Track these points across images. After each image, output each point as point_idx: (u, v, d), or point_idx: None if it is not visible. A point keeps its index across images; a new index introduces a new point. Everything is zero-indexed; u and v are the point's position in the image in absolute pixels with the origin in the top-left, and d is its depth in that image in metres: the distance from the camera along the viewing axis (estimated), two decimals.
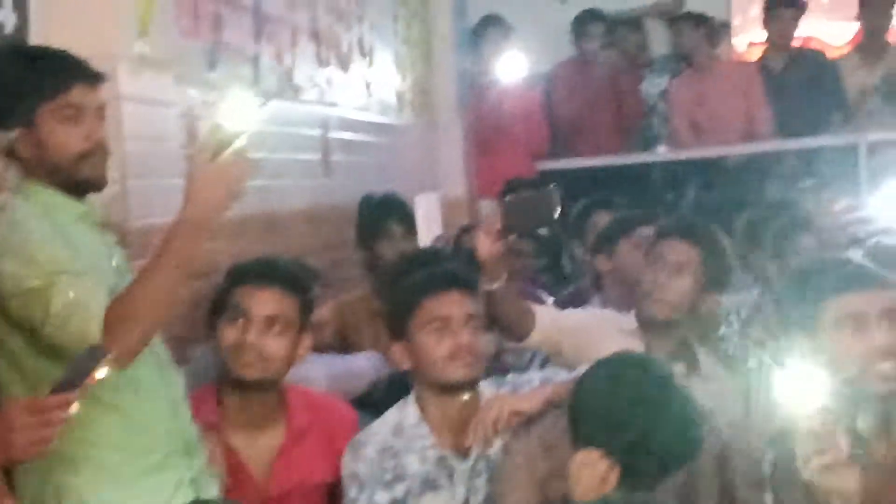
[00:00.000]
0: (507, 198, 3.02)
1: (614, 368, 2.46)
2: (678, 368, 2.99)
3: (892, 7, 6.58)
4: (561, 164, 6.49)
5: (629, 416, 2.34)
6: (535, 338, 3.14)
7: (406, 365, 2.86)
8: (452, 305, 2.82)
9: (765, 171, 6.22)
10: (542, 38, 6.71)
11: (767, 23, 6.58)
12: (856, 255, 3.03)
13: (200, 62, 3.55)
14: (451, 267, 3.10)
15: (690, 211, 6.14)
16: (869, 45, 6.58)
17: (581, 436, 2.40)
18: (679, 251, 3.20)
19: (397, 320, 2.88)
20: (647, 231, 3.65)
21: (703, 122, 6.53)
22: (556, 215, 2.91)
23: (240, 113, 2.24)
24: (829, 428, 2.18)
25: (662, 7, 7.11)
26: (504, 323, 3.12)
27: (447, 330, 2.79)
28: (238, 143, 2.23)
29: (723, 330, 3.73)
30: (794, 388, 2.17)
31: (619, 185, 6.08)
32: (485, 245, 2.93)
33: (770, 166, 6.22)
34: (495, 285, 2.97)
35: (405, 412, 2.85)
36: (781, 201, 5.03)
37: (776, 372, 2.28)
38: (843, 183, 5.29)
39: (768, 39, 6.72)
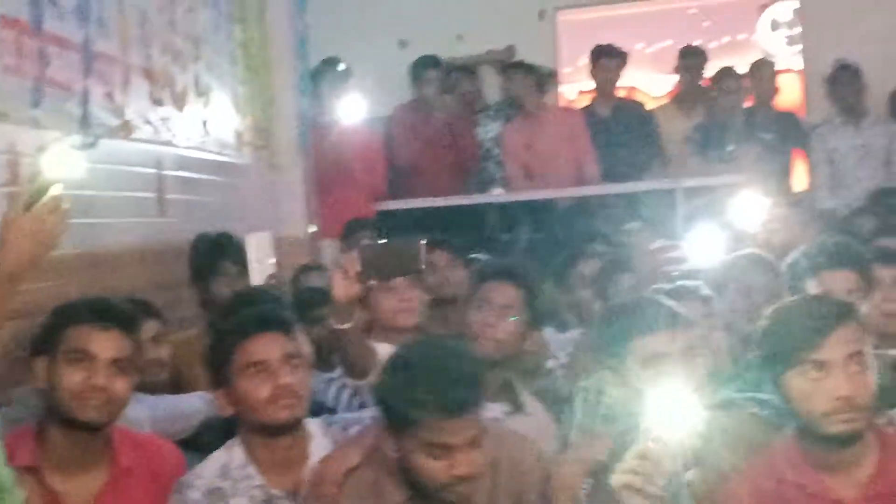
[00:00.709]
0: (366, 243, 3.08)
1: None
2: (503, 407, 3.11)
3: (706, 62, 7.02)
4: (399, 204, 6.61)
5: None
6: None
7: (229, 411, 2.84)
8: (269, 347, 2.80)
9: (592, 212, 6.47)
10: (381, 81, 6.82)
11: (593, 72, 6.95)
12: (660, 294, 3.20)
13: (24, 99, 3.53)
14: (265, 308, 3.10)
15: (523, 251, 6.32)
16: (685, 96, 7.05)
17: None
18: (503, 293, 3.33)
19: (216, 366, 2.85)
20: None
21: (534, 166, 6.79)
22: (422, 266, 2.94)
23: (59, 161, 2.24)
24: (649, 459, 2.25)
25: (495, 55, 7.34)
26: (348, 361, 3.17)
27: (266, 373, 2.77)
28: (53, 193, 2.22)
29: (549, 366, 3.86)
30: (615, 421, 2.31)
31: (456, 226, 6.23)
32: (340, 287, 2.94)
33: (597, 208, 6.48)
34: (345, 326, 3.00)
35: (231, 453, 2.83)
36: (607, 242, 5.26)
37: (598, 407, 2.38)
38: (663, 225, 5.54)
39: (595, 88, 7.03)
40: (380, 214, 6.37)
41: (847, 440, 2.44)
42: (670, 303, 2.75)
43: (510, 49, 7.32)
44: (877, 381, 2.49)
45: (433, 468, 2.45)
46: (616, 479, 2.13)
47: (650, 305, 2.72)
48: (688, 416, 2.12)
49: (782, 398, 2.52)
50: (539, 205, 6.62)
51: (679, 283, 3.31)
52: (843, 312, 2.50)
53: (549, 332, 3.97)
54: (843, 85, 6.52)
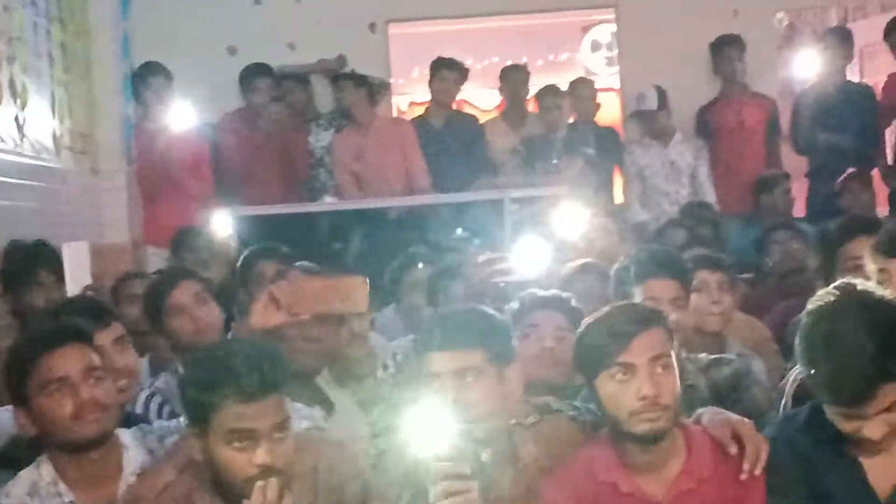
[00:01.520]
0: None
1: None
2: (316, 411, 3.07)
3: (528, 79, 7.21)
4: (229, 212, 6.51)
5: None
6: None
7: (32, 431, 2.71)
8: (68, 361, 2.67)
9: (423, 222, 6.52)
10: (210, 88, 6.72)
11: (432, 83, 7.02)
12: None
13: None
14: (63, 321, 2.98)
15: (355, 259, 6.31)
16: (511, 112, 7.19)
17: None
18: None
19: (14, 384, 2.70)
20: None
21: (365, 176, 6.80)
22: (365, 306, 2.84)
23: None
24: (457, 467, 2.31)
25: (326, 65, 7.31)
26: None
27: (67, 388, 2.65)
28: None
29: (379, 374, 3.86)
30: (425, 429, 2.31)
31: (287, 235, 6.17)
32: (260, 315, 2.83)
33: (428, 218, 6.53)
34: None
35: (40, 471, 2.71)
36: (436, 250, 5.30)
37: (410, 414, 2.39)
38: (491, 235, 5.62)
39: (432, 99, 7.11)
40: (206, 223, 6.26)
41: (652, 439, 2.53)
42: (465, 319, 2.70)
43: (341, 59, 7.31)
44: (685, 383, 2.58)
45: (237, 461, 2.39)
46: None
47: (448, 319, 2.69)
48: (441, 435, 2.23)
49: (597, 401, 2.59)
50: (370, 214, 6.63)
51: (552, 293, 3.37)
52: (648, 318, 2.60)
53: (377, 339, 3.97)
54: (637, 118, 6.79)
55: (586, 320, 2.68)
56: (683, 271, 3.37)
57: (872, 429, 2.42)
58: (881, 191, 6.57)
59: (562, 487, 2.60)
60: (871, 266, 2.96)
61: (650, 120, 6.76)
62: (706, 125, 6.91)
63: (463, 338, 2.60)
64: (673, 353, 2.58)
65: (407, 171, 6.80)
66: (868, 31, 7.36)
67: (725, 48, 6.90)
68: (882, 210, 6.37)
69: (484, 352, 2.60)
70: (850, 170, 6.37)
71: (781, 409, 2.94)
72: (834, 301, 2.46)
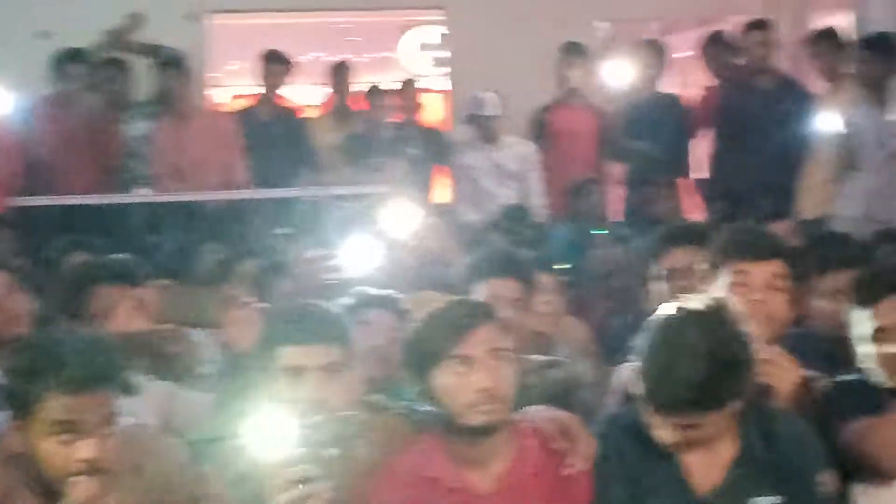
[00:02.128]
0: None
1: None
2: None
3: (355, 77, 7.26)
4: (37, 201, 6.27)
5: None
6: None
7: None
8: None
9: (243, 216, 6.43)
10: (21, 72, 6.45)
11: (260, 75, 6.97)
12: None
13: None
14: None
15: (172, 253, 6.16)
16: (337, 109, 7.21)
17: None
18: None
19: None
20: None
21: (184, 168, 6.65)
22: None
23: None
24: (294, 468, 2.27)
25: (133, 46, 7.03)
26: None
27: None
28: None
29: (206, 368, 3.75)
30: (263, 428, 2.26)
31: (98, 226, 5.98)
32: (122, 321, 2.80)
33: (248, 213, 6.44)
34: None
35: None
36: (258, 246, 5.23)
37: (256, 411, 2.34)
38: (314, 232, 5.58)
39: (260, 92, 7.06)
40: (15, 212, 6.01)
41: (487, 430, 2.55)
42: (322, 315, 2.71)
43: (161, 47, 7.11)
44: (518, 381, 2.61)
45: (60, 455, 2.30)
46: None
47: (296, 315, 2.69)
48: (287, 432, 2.21)
49: (430, 396, 2.60)
50: (187, 207, 6.48)
51: (384, 292, 3.36)
52: (483, 312, 2.63)
53: (199, 335, 3.88)
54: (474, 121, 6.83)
55: (421, 314, 2.68)
56: (525, 270, 3.41)
57: (667, 434, 2.50)
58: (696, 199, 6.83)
59: (389, 484, 2.60)
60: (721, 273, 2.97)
61: (485, 125, 6.80)
62: (541, 129, 7.00)
63: (328, 332, 2.60)
64: (509, 348, 2.61)
65: (226, 166, 6.69)
66: (685, 44, 7.63)
67: (567, 54, 7.00)
68: (691, 218, 6.62)
69: (342, 347, 2.61)
70: (659, 178, 6.57)
71: (608, 407, 3.00)
72: (680, 318, 2.51)
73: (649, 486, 2.58)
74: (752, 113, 6.42)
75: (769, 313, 2.84)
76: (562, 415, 2.70)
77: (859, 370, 2.89)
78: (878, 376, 2.83)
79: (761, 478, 2.56)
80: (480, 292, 3.25)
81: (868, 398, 2.82)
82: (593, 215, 6.47)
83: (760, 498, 2.55)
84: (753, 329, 2.60)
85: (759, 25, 6.53)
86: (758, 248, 2.87)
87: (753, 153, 6.36)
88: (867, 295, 2.86)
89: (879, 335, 2.81)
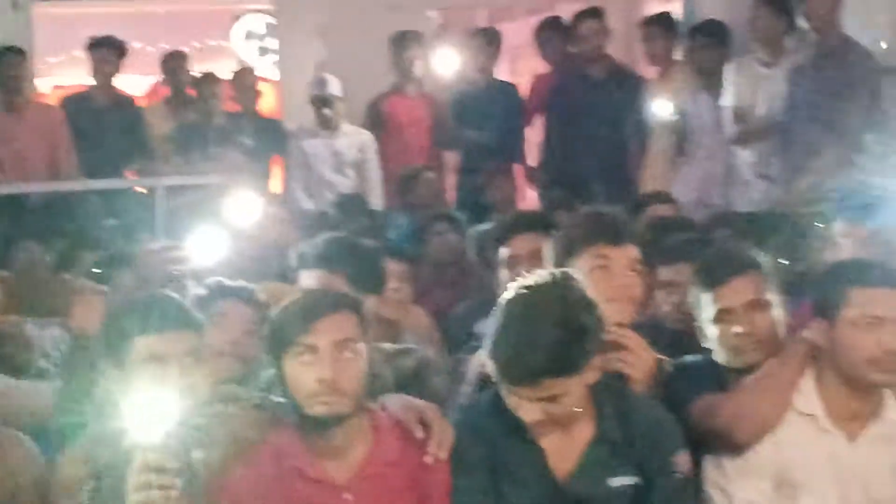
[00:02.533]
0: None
1: None
2: None
3: (189, 66, 7.14)
4: None
5: None
6: None
7: None
8: None
9: (69, 208, 6.21)
10: None
11: (90, 62, 6.78)
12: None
13: None
14: None
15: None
16: (172, 98, 7.08)
17: None
18: None
19: None
20: None
21: (7, 160, 6.42)
22: None
23: None
24: (164, 461, 2.24)
25: None
26: None
27: None
28: None
29: (42, 363, 3.68)
30: (128, 416, 2.23)
31: None
32: None
33: (74, 204, 6.23)
34: None
35: None
36: (87, 238, 5.07)
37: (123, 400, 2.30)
38: (144, 223, 5.45)
39: (92, 79, 6.84)
40: None
41: (327, 422, 2.54)
42: (178, 303, 2.70)
43: None
44: (369, 371, 2.60)
45: None
46: (133, 500, 2.16)
47: (154, 303, 2.66)
48: (169, 417, 2.19)
49: (283, 384, 2.59)
50: (13, 199, 6.23)
51: (240, 283, 3.30)
52: (338, 302, 2.62)
53: (31, 328, 3.75)
54: (317, 103, 6.74)
55: (283, 301, 2.67)
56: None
57: (528, 412, 2.53)
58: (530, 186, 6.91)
59: (247, 475, 2.57)
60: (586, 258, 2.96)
61: (328, 104, 6.70)
62: (376, 118, 6.95)
63: (184, 319, 2.60)
64: (362, 341, 2.60)
65: (54, 159, 6.49)
66: (516, 33, 7.71)
67: (403, 42, 6.96)
68: (526, 206, 6.71)
69: (198, 334, 2.62)
70: (494, 165, 6.62)
71: (461, 396, 3.00)
72: (534, 286, 2.55)
73: (508, 471, 2.61)
74: (585, 100, 6.50)
75: (630, 296, 2.89)
76: (419, 403, 2.70)
77: (705, 352, 2.97)
78: (722, 357, 2.92)
79: (618, 459, 2.61)
80: (311, 282, 3.21)
81: (712, 378, 2.91)
82: (425, 203, 6.47)
83: (617, 478, 2.60)
84: (615, 313, 2.67)
85: (591, 14, 6.61)
86: (618, 233, 2.91)
87: (586, 140, 6.45)
88: (710, 278, 2.94)
89: (722, 317, 2.90)
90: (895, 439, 2.77)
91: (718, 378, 2.91)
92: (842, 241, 3.52)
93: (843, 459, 2.75)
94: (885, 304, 2.69)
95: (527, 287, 2.55)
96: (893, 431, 2.77)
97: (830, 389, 2.77)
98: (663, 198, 5.09)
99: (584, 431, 2.62)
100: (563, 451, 2.61)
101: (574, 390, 2.53)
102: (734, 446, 2.76)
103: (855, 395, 2.75)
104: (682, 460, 2.64)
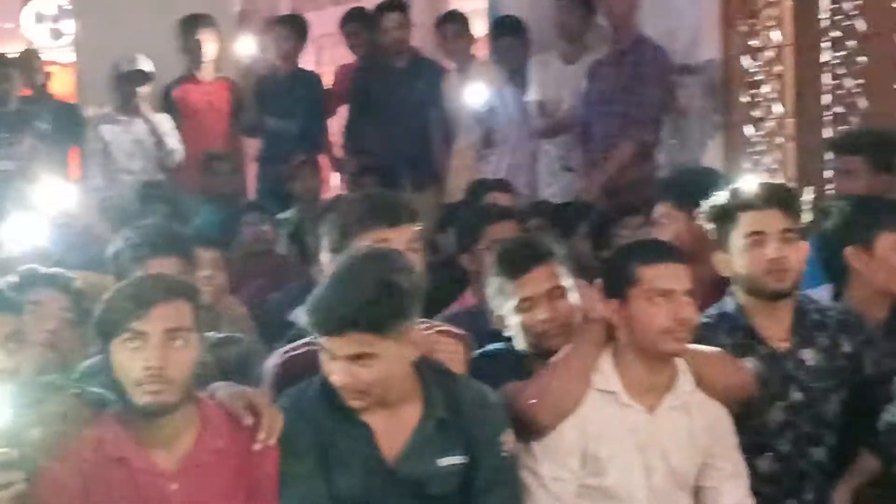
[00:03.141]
0: None
1: None
2: None
3: None
4: None
5: None
6: None
7: None
8: None
9: None
10: None
11: None
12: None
13: None
14: None
15: None
16: None
17: None
18: None
19: None
20: None
21: None
22: None
23: None
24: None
25: None
26: None
27: None
28: None
29: None
30: None
31: None
32: None
33: None
34: None
35: None
36: None
37: None
38: None
39: None
40: None
41: (154, 412, 2.52)
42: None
43: None
44: (198, 359, 2.59)
45: None
46: None
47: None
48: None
49: (111, 369, 2.55)
50: None
51: (55, 270, 3.21)
52: (172, 289, 2.58)
53: None
54: (125, 82, 6.58)
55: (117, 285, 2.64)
56: (185, 247, 3.35)
57: (336, 373, 2.56)
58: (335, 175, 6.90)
59: (68, 467, 2.52)
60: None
61: (140, 81, 6.51)
62: (173, 104, 6.81)
63: (7, 302, 2.57)
64: (195, 330, 2.58)
65: None
66: (321, 22, 7.66)
67: (192, 26, 6.81)
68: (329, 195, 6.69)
69: (18, 318, 2.58)
70: (300, 155, 6.59)
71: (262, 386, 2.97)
72: (359, 251, 2.66)
73: (338, 455, 2.62)
74: (388, 91, 6.55)
75: None
76: (248, 390, 2.70)
77: (508, 340, 3.07)
78: (524, 343, 3.02)
79: (446, 439, 2.66)
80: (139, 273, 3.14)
81: (513, 365, 3.01)
82: (226, 191, 6.39)
83: (446, 458, 2.65)
84: None
85: (394, 6, 6.66)
86: (395, 215, 2.93)
87: (390, 131, 6.51)
88: (512, 268, 3.03)
89: (523, 305, 3.00)
90: (689, 408, 2.91)
91: (519, 365, 3.01)
92: (665, 224, 3.63)
93: (643, 431, 2.87)
94: (671, 278, 2.84)
95: (353, 252, 2.65)
96: (688, 402, 2.91)
97: (627, 366, 2.89)
98: (503, 186, 5.19)
99: (412, 412, 2.66)
100: (392, 433, 2.64)
101: (386, 356, 2.55)
102: (538, 429, 2.85)
103: (651, 368, 2.89)
104: (509, 439, 2.72)
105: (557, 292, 3.01)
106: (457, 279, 3.93)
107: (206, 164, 6.42)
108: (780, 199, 3.11)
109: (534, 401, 2.82)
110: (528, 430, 2.85)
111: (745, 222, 3.08)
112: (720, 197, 3.13)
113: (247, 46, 6.99)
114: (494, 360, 3.03)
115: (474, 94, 6.12)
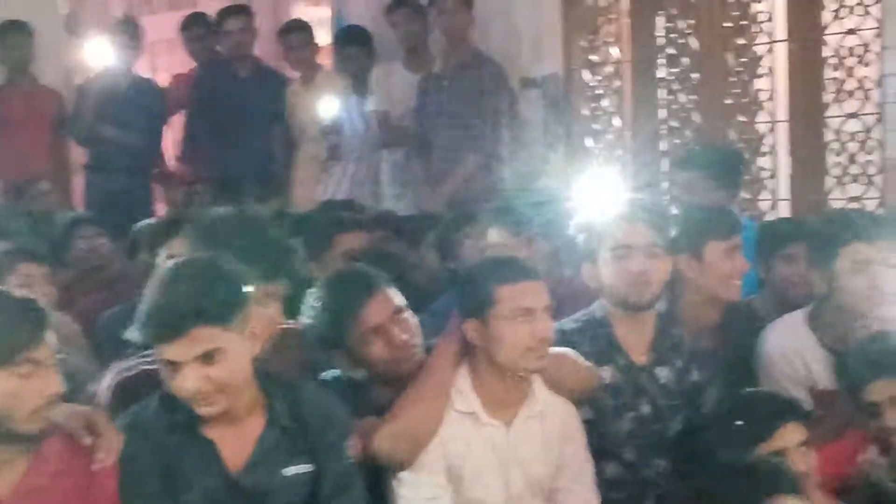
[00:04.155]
0: None
1: None
2: None
3: None
4: None
5: None
6: None
7: None
8: None
9: None
10: None
11: None
12: None
13: None
14: None
15: None
16: None
17: None
18: None
19: None
20: None
21: None
22: None
23: None
24: None
25: None
26: None
27: None
28: None
29: None
30: None
31: None
32: None
33: None
34: None
35: None
36: None
37: None
38: None
39: None
40: None
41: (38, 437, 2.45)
42: None
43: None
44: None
45: None
46: None
47: None
48: None
49: None
50: None
51: None
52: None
53: None
54: None
55: None
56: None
57: (185, 381, 2.49)
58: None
59: None
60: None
61: None
62: None
63: None
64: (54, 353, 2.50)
65: None
66: (156, 27, 7.47)
67: (6, 33, 6.51)
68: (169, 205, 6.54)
69: None
70: (131, 164, 6.40)
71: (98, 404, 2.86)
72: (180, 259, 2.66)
73: (182, 473, 2.56)
74: (230, 100, 6.44)
75: None
76: (85, 409, 2.62)
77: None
78: (374, 371, 2.96)
79: (291, 448, 2.62)
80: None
81: (353, 393, 2.95)
82: (51, 209, 6.12)
83: (291, 467, 2.61)
84: None
85: (236, 11, 6.54)
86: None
87: (230, 140, 6.38)
88: (352, 300, 2.93)
89: (368, 337, 2.92)
90: (545, 416, 2.95)
91: (358, 392, 2.96)
92: (497, 248, 3.69)
93: (502, 447, 2.90)
94: (531, 296, 2.86)
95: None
96: (542, 409, 2.95)
97: (486, 384, 2.90)
98: (350, 207, 5.12)
99: (256, 423, 2.61)
100: (236, 445, 2.59)
101: (233, 349, 2.50)
102: (399, 466, 2.85)
103: (508, 385, 2.91)
104: (353, 445, 2.69)
105: (401, 312, 2.96)
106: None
107: (19, 193, 6.11)
108: (646, 214, 3.19)
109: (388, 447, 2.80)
110: (388, 465, 2.85)
111: (613, 236, 3.16)
112: (588, 211, 3.19)
113: (75, 52, 6.72)
114: (337, 386, 2.97)
115: (318, 104, 6.05)
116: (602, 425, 3.13)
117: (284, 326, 2.92)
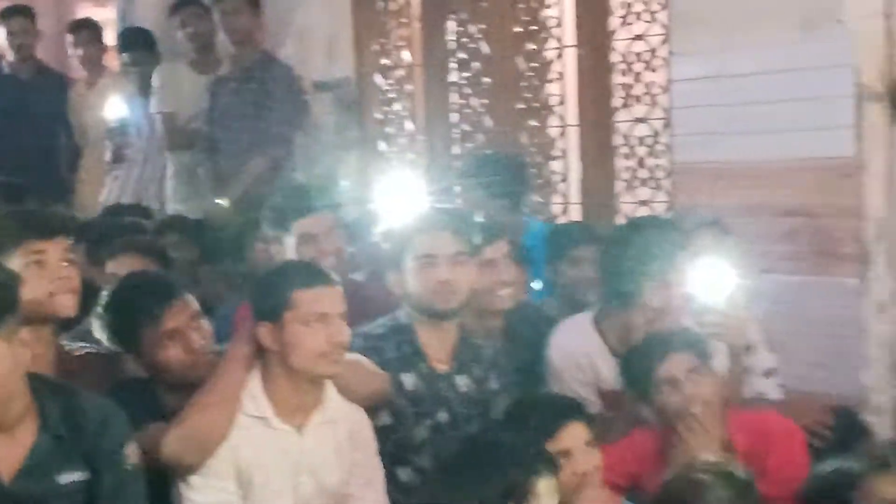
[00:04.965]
0: None
1: None
2: None
3: None
4: None
5: None
6: None
7: None
8: None
9: None
10: None
11: None
12: None
13: None
14: None
15: None
16: None
17: None
18: None
19: None
20: None
21: None
22: None
23: None
24: None
25: None
26: None
27: None
28: None
29: None
30: None
31: None
32: None
33: None
34: None
35: None
36: None
37: None
38: None
39: None
40: None
41: None
42: None
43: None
44: None
45: None
46: None
47: None
48: None
49: None
50: None
51: None
52: None
53: None
54: None
55: None
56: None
57: None
58: None
59: None
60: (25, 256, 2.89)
61: None
62: None
63: None
64: None
65: None
66: None
67: None
68: None
69: None
70: None
71: None
72: None
73: None
74: (11, 101, 6.28)
75: (71, 288, 2.92)
76: None
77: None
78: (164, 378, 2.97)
79: (65, 455, 2.55)
80: None
81: (147, 396, 2.95)
82: None
83: (65, 475, 2.55)
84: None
85: (17, 11, 6.36)
86: (50, 227, 2.91)
87: (12, 144, 6.18)
88: (150, 311, 2.94)
89: (164, 343, 2.94)
90: (337, 421, 2.94)
91: (152, 395, 2.96)
92: (272, 247, 3.68)
93: (294, 452, 2.88)
94: (327, 301, 2.86)
95: None
96: (334, 415, 2.94)
97: (278, 388, 2.88)
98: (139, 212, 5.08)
99: (28, 430, 2.53)
100: (8, 454, 2.50)
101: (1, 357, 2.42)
102: (186, 470, 2.81)
103: (301, 389, 2.89)
104: (131, 452, 2.63)
105: (198, 317, 2.97)
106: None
107: None
108: (451, 222, 3.22)
109: (175, 450, 2.77)
110: (177, 471, 2.80)
111: (417, 245, 3.17)
112: (396, 221, 3.20)
113: None
114: (126, 390, 2.93)
115: (102, 106, 5.90)
116: (399, 431, 3.15)
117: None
